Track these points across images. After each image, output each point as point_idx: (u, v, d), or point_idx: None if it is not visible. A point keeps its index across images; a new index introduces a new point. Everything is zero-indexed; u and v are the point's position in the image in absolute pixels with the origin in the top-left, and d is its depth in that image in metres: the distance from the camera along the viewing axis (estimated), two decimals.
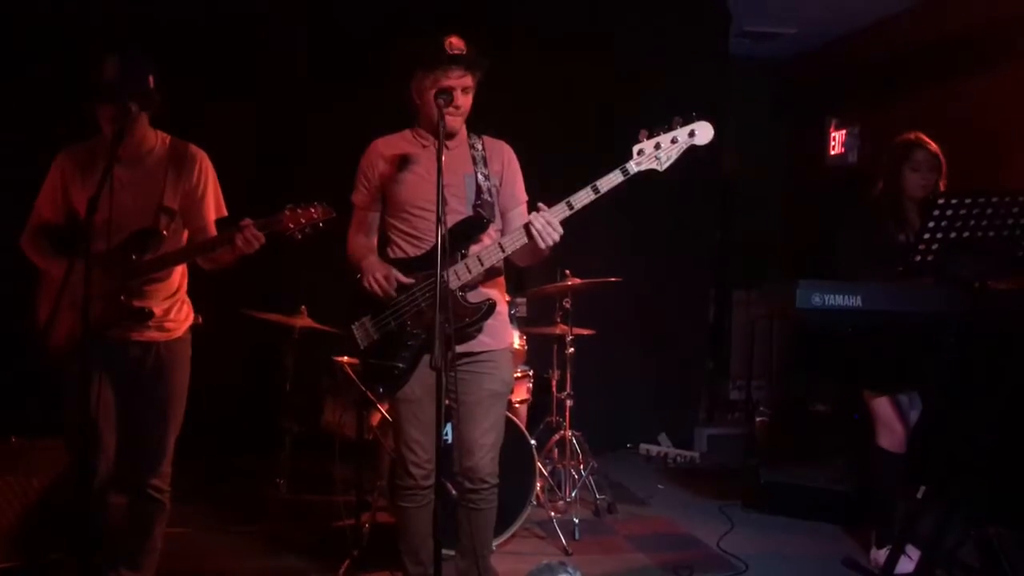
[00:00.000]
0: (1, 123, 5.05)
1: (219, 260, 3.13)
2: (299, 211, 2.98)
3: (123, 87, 2.95)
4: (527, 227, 2.92)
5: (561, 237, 2.92)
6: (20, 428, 3.70)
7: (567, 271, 4.65)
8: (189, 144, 3.21)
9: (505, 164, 3.23)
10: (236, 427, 5.48)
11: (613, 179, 2.91)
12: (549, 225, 2.89)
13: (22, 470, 3.61)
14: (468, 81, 3.05)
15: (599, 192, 2.91)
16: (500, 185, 3.20)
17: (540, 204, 2.93)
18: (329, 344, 4.49)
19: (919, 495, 3.93)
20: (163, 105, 3.08)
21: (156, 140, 3.16)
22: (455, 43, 3.03)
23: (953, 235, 3.24)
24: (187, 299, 3.28)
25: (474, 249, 3.06)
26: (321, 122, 5.73)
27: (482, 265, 3.03)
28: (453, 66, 3.00)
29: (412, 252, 3.14)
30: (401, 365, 3.08)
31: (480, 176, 3.14)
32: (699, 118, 2.95)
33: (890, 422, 3.96)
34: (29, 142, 4.00)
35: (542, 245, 2.91)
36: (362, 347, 3.16)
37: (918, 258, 3.33)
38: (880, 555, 3.95)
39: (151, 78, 3.04)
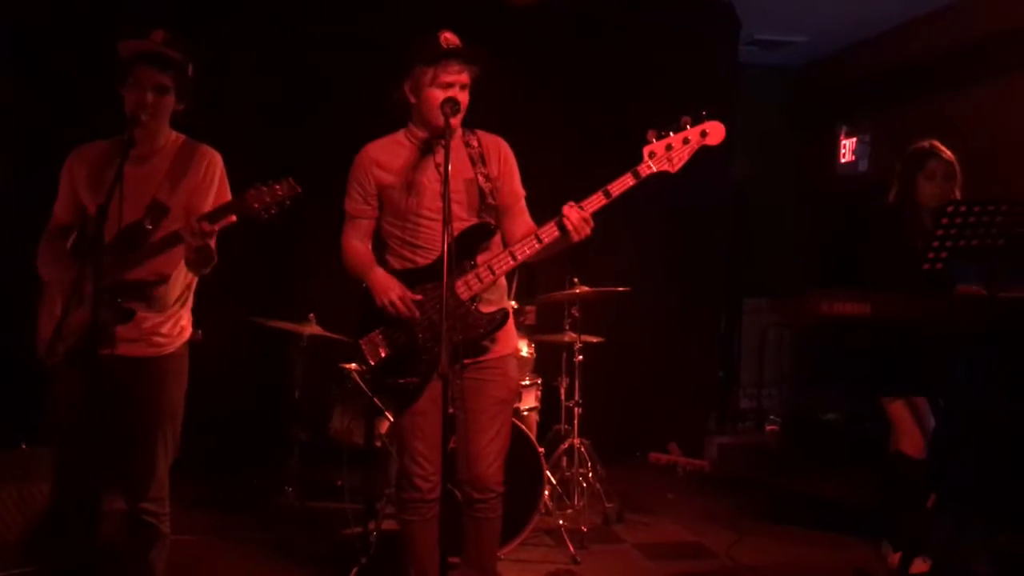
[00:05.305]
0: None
1: (190, 262, 2.90)
2: (264, 189, 2.79)
3: (168, 57, 2.87)
4: (559, 222, 2.89)
5: (593, 231, 2.90)
6: (31, 435, 3.71)
7: (575, 279, 4.64)
8: (201, 144, 3.06)
9: (502, 162, 3.15)
10: (244, 435, 5.46)
11: (625, 182, 2.89)
12: (583, 221, 2.87)
13: (32, 477, 3.62)
14: (465, 78, 2.98)
15: (611, 197, 2.89)
16: (500, 184, 3.13)
17: (571, 202, 2.90)
18: (337, 351, 4.49)
19: (929, 503, 3.90)
20: (191, 102, 2.99)
21: (169, 138, 3.02)
22: (449, 38, 2.98)
23: (962, 243, 3.23)
24: (186, 315, 3.06)
25: (483, 258, 3.01)
26: (314, 124, 5.67)
27: (494, 275, 2.99)
28: (451, 60, 2.95)
29: (418, 261, 3.08)
30: (416, 380, 3.03)
31: (481, 178, 3.07)
32: (710, 117, 2.92)
33: (909, 427, 3.89)
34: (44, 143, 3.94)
35: (575, 239, 2.90)
36: (372, 363, 3.09)
37: (927, 266, 3.32)
38: (895, 558, 3.92)
39: (191, 67, 2.95)
